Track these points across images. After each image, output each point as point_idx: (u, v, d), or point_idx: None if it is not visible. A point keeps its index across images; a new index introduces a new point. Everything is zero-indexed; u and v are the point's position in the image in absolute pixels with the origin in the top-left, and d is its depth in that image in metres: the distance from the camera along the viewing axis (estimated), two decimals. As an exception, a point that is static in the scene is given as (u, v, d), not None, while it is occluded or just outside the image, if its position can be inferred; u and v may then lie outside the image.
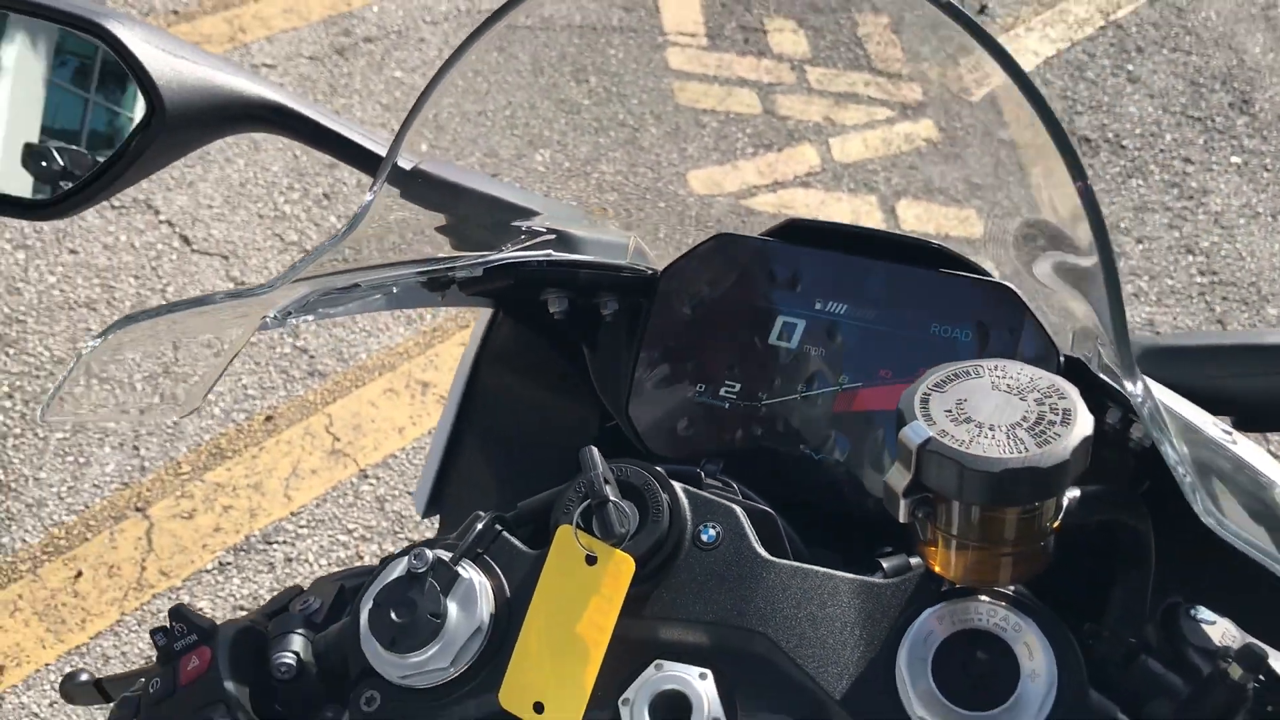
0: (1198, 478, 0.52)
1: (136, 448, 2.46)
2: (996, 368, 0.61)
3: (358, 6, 3.61)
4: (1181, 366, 0.78)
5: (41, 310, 2.71)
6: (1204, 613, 0.65)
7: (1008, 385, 0.60)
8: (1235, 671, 0.60)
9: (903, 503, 0.59)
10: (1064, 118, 3.50)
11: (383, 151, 0.89)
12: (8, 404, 2.53)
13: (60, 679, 0.82)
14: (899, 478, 0.59)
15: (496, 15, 0.72)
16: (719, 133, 3.25)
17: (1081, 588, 0.68)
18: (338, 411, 2.57)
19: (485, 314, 1.00)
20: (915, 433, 0.57)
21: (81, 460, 2.44)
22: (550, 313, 0.90)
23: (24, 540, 2.32)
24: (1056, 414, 0.57)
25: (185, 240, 2.89)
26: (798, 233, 0.90)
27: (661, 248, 0.94)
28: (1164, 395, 0.66)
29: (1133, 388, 0.54)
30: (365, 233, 0.79)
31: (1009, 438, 0.56)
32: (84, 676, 0.82)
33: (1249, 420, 0.76)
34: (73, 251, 2.84)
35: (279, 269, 2.85)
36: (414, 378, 2.63)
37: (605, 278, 0.90)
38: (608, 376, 0.93)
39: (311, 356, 2.67)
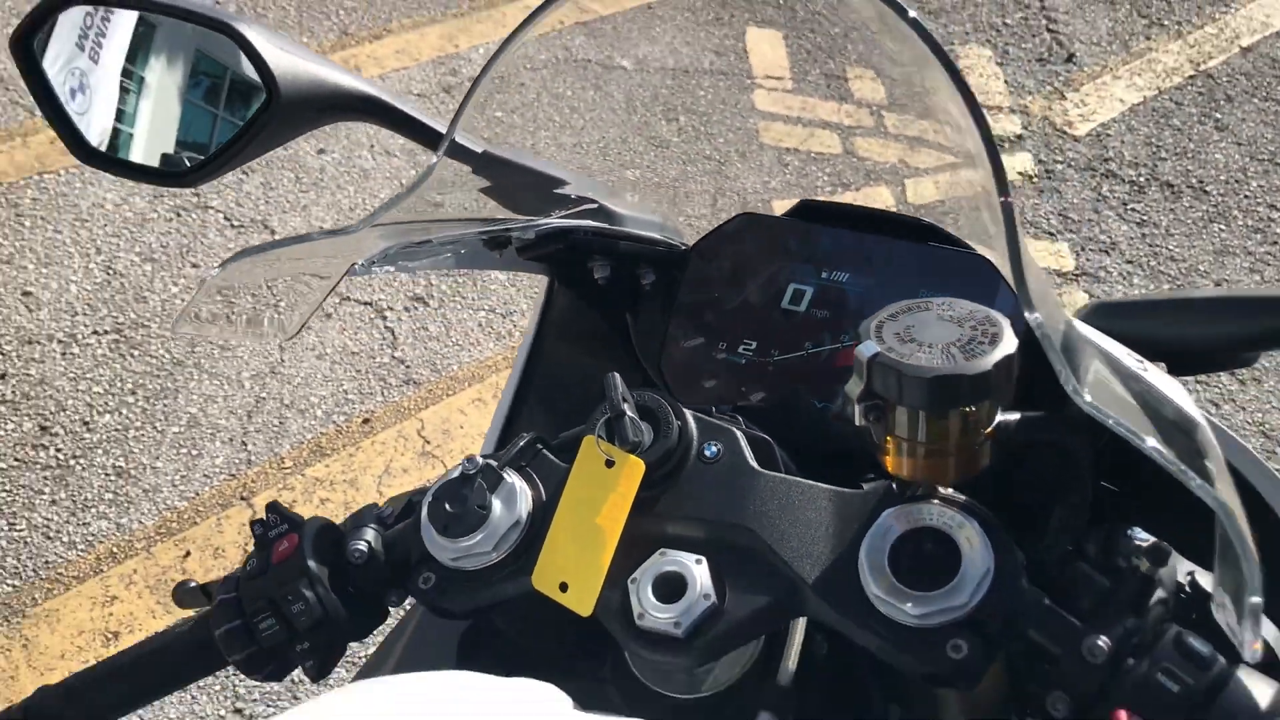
0: (1071, 369, 0.62)
1: (244, 443, 2.66)
2: (943, 304, 0.73)
3: (464, 49, 3.84)
4: (1123, 320, 0.87)
5: (164, 317, 2.93)
6: (1140, 533, 0.75)
7: (950, 316, 0.71)
8: (1144, 565, 0.70)
9: (857, 407, 0.71)
10: (1146, 163, 3.55)
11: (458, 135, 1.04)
12: (130, 399, 2.76)
13: (173, 587, 0.96)
14: (854, 387, 0.71)
15: (540, 9, 0.86)
16: (800, 170, 3.38)
17: (1028, 515, 0.78)
18: (429, 417, 2.74)
19: (544, 289, 1.14)
20: (867, 349, 0.69)
21: (194, 453, 2.65)
22: (595, 279, 1.04)
23: (140, 522, 2.52)
24: (986, 337, 0.69)
25: (297, 258, 3.11)
26: (810, 212, 1.03)
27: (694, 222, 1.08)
28: (1096, 337, 0.76)
29: (1029, 314, 0.65)
30: (440, 203, 0.93)
31: (943, 353, 0.68)
32: (192, 584, 0.97)
33: (1180, 366, 0.86)
34: (194, 265, 3.07)
35: (379, 286, 3.06)
36: (501, 389, 2.78)
37: (643, 249, 1.03)
38: (647, 340, 1.06)
39: (408, 366, 2.85)
